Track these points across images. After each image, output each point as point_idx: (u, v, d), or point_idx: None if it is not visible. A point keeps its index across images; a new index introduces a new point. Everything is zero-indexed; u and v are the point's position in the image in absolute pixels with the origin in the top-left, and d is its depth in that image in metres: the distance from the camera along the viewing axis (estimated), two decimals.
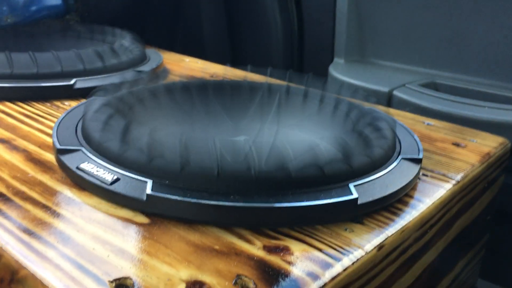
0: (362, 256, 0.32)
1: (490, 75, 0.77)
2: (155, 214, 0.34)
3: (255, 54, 1.03)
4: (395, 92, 0.75)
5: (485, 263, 0.61)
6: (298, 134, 0.48)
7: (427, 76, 0.81)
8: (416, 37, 0.83)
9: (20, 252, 0.30)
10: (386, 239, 0.34)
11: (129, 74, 0.62)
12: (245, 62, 1.05)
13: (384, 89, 0.76)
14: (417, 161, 0.42)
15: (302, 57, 0.98)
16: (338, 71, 0.84)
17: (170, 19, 1.03)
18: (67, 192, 0.37)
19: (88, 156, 0.38)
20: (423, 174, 0.43)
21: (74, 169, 0.37)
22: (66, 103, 0.55)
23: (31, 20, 0.81)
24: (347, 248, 0.32)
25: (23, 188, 0.37)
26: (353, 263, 0.31)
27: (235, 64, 1.06)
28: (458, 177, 0.43)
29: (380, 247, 0.33)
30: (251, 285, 0.28)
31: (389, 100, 0.76)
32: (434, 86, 0.79)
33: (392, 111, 0.60)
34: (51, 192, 0.36)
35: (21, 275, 0.29)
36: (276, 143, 0.37)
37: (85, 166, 0.37)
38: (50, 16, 0.83)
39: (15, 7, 0.79)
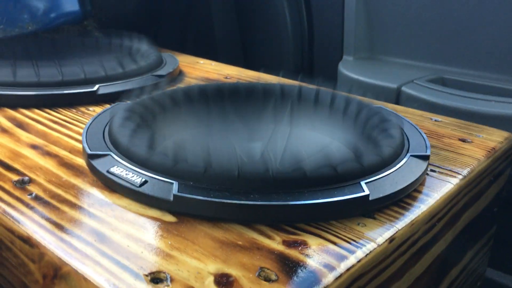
0: (374, 249, 0.34)
1: (496, 69, 0.78)
2: (181, 213, 0.37)
3: (266, 53, 1.06)
4: (404, 88, 0.77)
5: (494, 253, 0.63)
6: (311, 135, 0.51)
7: (435, 71, 0.83)
8: (423, 33, 0.84)
9: (62, 250, 0.33)
10: (396, 232, 0.36)
11: (148, 79, 0.64)
12: (257, 61, 1.08)
13: (393, 85, 0.79)
14: (425, 157, 0.44)
15: (312, 55, 1.01)
16: (347, 68, 0.86)
17: (182, 22, 1.05)
18: (99, 194, 0.40)
19: (117, 161, 0.41)
20: (431, 170, 0.46)
21: (105, 172, 0.40)
22: (91, 108, 0.58)
23: (50, 27, 0.84)
24: (360, 241, 0.35)
25: (59, 191, 0.40)
26: (366, 255, 0.33)
27: (246, 63, 1.09)
28: (465, 172, 0.46)
29: (391, 240, 0.36)
30: (273, 276, 0.30)
31: (397, 96, 0.78)
32: (441, 82, 0.81)
33: (400, 108, 0.62)
34: (85, 195, 0.40)
35: (64, 271, 0.32)
36: (290, 144, 0.39)
37: (115, 170, 0.40)
38: (68, 23, 0.86)
39: (35, 15, 0.82)
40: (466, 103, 0.71)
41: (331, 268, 0.31)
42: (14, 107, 0.58)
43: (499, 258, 0.73)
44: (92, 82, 0.60)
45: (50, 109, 0.58)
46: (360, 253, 0.33)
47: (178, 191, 0.36)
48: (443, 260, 0.46)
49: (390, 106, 0.60)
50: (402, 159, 0.43)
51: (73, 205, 0.38)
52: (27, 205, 0.38)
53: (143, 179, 0.38)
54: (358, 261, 0.33)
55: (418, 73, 0.82)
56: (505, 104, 0.69)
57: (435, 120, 0.58)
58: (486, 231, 0.56)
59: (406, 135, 0.49)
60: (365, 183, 0.39)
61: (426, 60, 0.86)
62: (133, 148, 0.41)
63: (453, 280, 0.50)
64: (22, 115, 0.56)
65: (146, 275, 0.30)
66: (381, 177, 0.40)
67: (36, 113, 0.56)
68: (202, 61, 0.84)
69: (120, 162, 0.41)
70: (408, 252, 0.38)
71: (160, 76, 0.66)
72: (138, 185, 0.38)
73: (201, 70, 0.78)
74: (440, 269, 0.46)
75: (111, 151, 0.43)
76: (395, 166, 0.42)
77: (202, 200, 0.36)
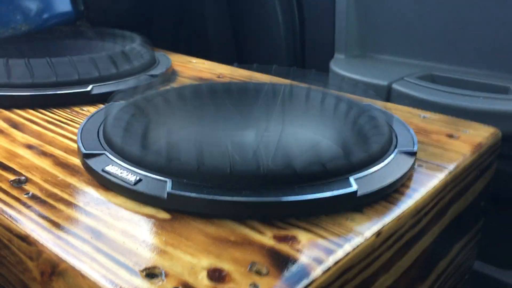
0: (361, 243, 0.35)
1: (484, 65, 0.80)
2: (175, 210, 0.38)
3: (259, 51, 1.07)
4: (394, 85, 0.79)
5: (483, 246, 0.65)
6: (302, 131, 0.52)
7: (425, 68, 0.84)
8: (413, 30, 0.86)
9: (59, 248, 0.34)
10: (383, 226, 0.37)
11: (141, 78, 0.65)
12: (249, 59, 1.08)
13: (383, 82, 0.80)
14: (412, 153, 0.46)
15: (304, 53, 1.02)
16: (339, 66, 0.87)
17: (175, 21, 1.06)
18: (94, 193, 0.41)
19: (111, 159, 0.42)
20: (419, 165, 0.47)
21: (100, 171, 0.41)
22: (85, 108, 0.59)
23: (43, 27, 0.84)
24: (348, 235, 0.36)
25: (55, 190, 0.41)
26: (353, 249, 0.35)
27: (239, 61, 1.10)
28: (451, 167, 0.47)
29: (378, 234, 0.37)
30: (264, 270, 0.31)
31: (388, 93, 0.79)
32: (431, 78, 0.82)
33: (390, 105, 0.63)
34: (81, 193, 0.40)
35: (61, 268, 0.33)
36: (281, 142, 0.40)
37: (109, 168, 0.41)
38: (61, 23, 0.87)
39: (28, 16, 0.83)
40: (455, 99, 0.72)
41: (319, 261, 0.33)
42: (8, 108, 0.59)
43: (487, 251, 0.74)
44: (86, 82, 0.61)
45: (45, 109, 0.58)
46: (348, 247, 0.34)
47: (171, 189, 0.37)
48: (430, 253, 0.47)
49: (379, 103, 0.61)
50: (390, 155, 0.45)
51: (69, 204, 0.39)
52: (24, 204, 0.39)
53: (138, 178, 0.39)
54: (346, 255, 0.34)
55: (408, 70, 0.83)
56: (492, 100, 0.71)
57: (424, 117, 0.59)
58: (473, 225, 0.58)
59: (395, 132, 0.50)
60: (354, 179, 0.40)
61: (416, 57, 0.87)
62: (127, 147, 0.42)
63: (441, 272, 0.52)
64: (17, 115, 0.57)
65: (142, 271, 0.31)
66: (369, 173, 0.41)
67: (31, 114, 0.57)
68: (195, 60, 0.85)
69: (114, 161, 0.42)
70: (395, 246, 0.39)
71: (153, 76, 0.67)
72: (132, 184, 0.39)
73: (194, 69, 0.79)
74: (428, 261, 0.48)
75: (105, 150, 0.44)
76: (383, 162, 0.43)
77: (195, 197, 0.37)
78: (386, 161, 0.43)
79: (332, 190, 0.38)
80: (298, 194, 0.37)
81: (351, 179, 0.40)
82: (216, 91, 0.58)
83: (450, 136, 0.54)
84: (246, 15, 1.06)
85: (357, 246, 0.35)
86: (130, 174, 0.40)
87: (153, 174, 0.39)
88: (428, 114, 0.60)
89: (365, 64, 0.89)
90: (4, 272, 0.40)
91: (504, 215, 0.75)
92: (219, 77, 0.74)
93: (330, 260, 0.33)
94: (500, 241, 0.77)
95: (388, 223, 0.38)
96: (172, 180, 0.38)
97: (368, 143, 0.44)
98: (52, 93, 0.59)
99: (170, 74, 0.74)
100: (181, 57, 0.86)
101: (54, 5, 0.86)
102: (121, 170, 0.41)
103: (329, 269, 0.32)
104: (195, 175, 0.38)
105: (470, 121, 0.57)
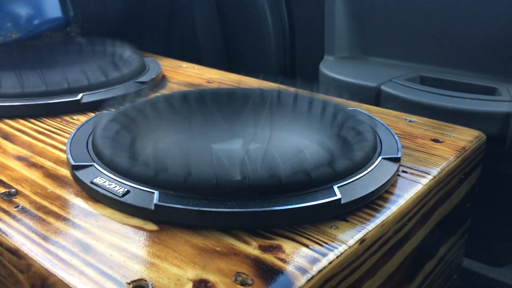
0: (345, 250, 0.36)
1: (472, 66, 0.81)
2: (163, 222, 0.39)
3: (249, 54, 1.07)
4: (383, 87, 0.79)
5: (472, 244, 0.66)
6: (288, 138, 0.52)
7: (413, 70, 0.85)
8: (402, 32, 0.86)
9: (48, 262, 0.34)
10: (367, 233, 0.38)
11: (131, 86, 0.66)
12: (240, 62, 1.09)
13: (372, 84, 0.81)
14: (396, 159, 0.46)
15: (294, 55, 1.02)
16: (328, 68, 0.88)
17: (166, 25, 1.07)
18: (83, 204, 0.41)
19: (100, 171, 0.43)
20: (403, 171, 0.48)
21: (88, 183, 0.42)
22: (75, 117, 0.59)
23: (34, 34, 0.85)
24: (332, 243, 0.37)
25: (45, 203, 0.41)
26: (337, 257, 0.35)
27: (230, 64, 1.10)
28: (434, 172, 0.48)
29: (361, 241, 0.38)
30: (249, 281, 0.32)
31: (377, 95, 0.80)
32: (419, 80, 0.83)
33: (376, 109, 0.64)
34: (70, 205, 0.41)
35: (51, 281, 0.34)
36: (267, 152, 0.41)
37: (98, 180, 0.42)
38: (51, 29, 0.87)
39: (18, 23, 0.83)
40: (442, 100, 0.73)
41: (303, 271, 0.33)
42: None
43: (477, 249, 0.75)
44: (76, 91, 0.62)
45: (35, 119, 0.59)
46: (331, 255, 0.35)
47: (159, 201, 0.38)
48: (416, 256, 0.48)
49: (366, 107, 0.62)
50: (374, 162, 0.45)
51: (58, 216, 0.39)
52: (14, 217, 0.39)
53: (126, 189, 0.40)
54: (330, 263, 0.35)
55: (397, 71, 0.84)
56: (478, 101, 0.71)
57: (410, 121, 0.60)
58: (459, 226, 0.59)
59: (379, 138, 0.51)
60: (337, 187, 0.41)
61: (405, 58, 0.88)
62: (116, 158, 0.43)
63: (427, 274, 0.53)
64: (8, 126, 0.57)
65: (129, 283, 0.32)
66: (352, 181, 0.42)
67: (21, 124, 0.58)
68: (185, 65, 0.85)
69: (103, 173, 0.43)
70: (379, 252, 0.40)
71: (143, 83, 0.68)
72: (120, 195, 0.40)
73: (184, 74, 0.79)
74: (414, 264, 0.49)
75: (94, 161, 0.44)
76: (367, 169, 0.44)
77: (182, 208, 0.38)
78: (369, 168, 0.44)
79: (316, 199, 0.39)
80: (283, 204, 0.38)
81: (335, 187, 0.40)
82: (204, 98, 0.59)
83: (435, 140, 0.54)
84: (236, 18, 1.07)
85: (341, 254, 0.36)
86: (118, 186, 0.41)
87: (141, 185, 0.40)
88: (414, 118, 0.61)
89: (354, 66, 0.90)
90: None
91: (490, 214, 0.76)
92: (208, 82, 0.75)
93: (314, 269, 0.34)
94: (489, 239, 0.78)
95: (371, 230, 0.39)
96: (159, 192, 0.39)
97: (352, 150, 0.45)
98: (42, 103, 0.59)
99: (160, 80, 0.74)
100: (171, 61, 0.87)
101: (44, 12, 0.87)
102: (109, 182, 0.41)
103: (312, 277, 0.33)
104: (182, 187, 0.39)
105: (455, 125, 0.58)
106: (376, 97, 0.81)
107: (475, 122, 0.70)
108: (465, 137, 0.55)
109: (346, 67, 0.89)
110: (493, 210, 0.77)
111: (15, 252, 0.36)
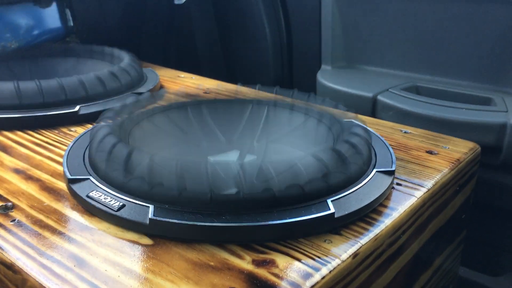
0: (338, 265, 0.36)
1: (468, 77, 0.81)
2: (157, 236, 0.39)
3: (247, 63, 1.08)
4: (379, 97, 0.80)
5: (469, 253, 0.66)
6: (282, 151, 0.53)
7: (410, 79, 0.86)
8: (398, 42, 0.87)
9: (43, 277, 0.35)
10: (360, 247, 0.39)
11: (128, 97, 0.66)
12: (238, 71, 1.10)
13: (369, 94, 0.81)
14: (390, 172, 0.47)
15: (292, 65, 1.03)
16: (326, 78, 0.89)
17: (164, 35, 1.07)
18: (79, 218, 0.42)
19: (96, 185, 0.43)
20: (397, 184, 0.48)
21: (84, 197, 0.42)
22: (72, 129, 0.60)
23: (33, 44, 0.85)
24: (325, 258, 0.37)
25: (41, 217, 0.42)
26: (330, 272, 0.36)
27: (228, 73, 1.11)
28: (429, 184, 0.48)
29: (355, 255, 0.38)
30: None
31: (374, 105, 0.81)
32: (415, 90, 0.83)
33: (372, 120, 0.65)
34: (66, 219, 0.41)
35: None
36: (261, 166, 0.41)
37: (94, 194, 0.42)
38: (51, 39, 0.88)
39: (17, 33, 0.84)
40: (438, 111, 0.73)
41: (296, 286, 0.34)
42: None
43: (474, 258, 0.76)
44: (73, 102, 0.62)
45: (33, 130, 0.59)
46: (324, 270, 0.35)
47: (153, 215, 0.38)
48: (411, 268, 0.48)
49: (362, 119, 0.62)
50: (368, 175, 0.46)
51: (54, 230, 0.40)
52: (10, 231, 0.40)
53: (121, 204, 0.40)
54: (323, 278, 0.35)
55: (393, 81, 0.85)
56: (474, 112, 0.72)
57: (405, 132, 0.61)
58: (455, 237, 0.59)
59: (374, 150, 0.51)
60: (331, 201, 0.41)
61: (401, 68, 0.88)
62: (111, 172, 0.43)
63: (423, 285, 0.53)
64: (5, 137, 0.58)
65: None
66: (346, 194, 0.42)
67: (19, 136, 0.58)
68: (183, 74, 0.86)
69: (99, 187, 0.43)
70: (373, 265, 0.41)
71: (141, 94, 0.68)
72: (116, 210, 0.40)
73: (182, 84, 0.80)
74: (408, 276, 0.49)
75: (90, 175, 0.45)
76: (361, 182, 0.44)
77: (176, 223, 0.38)
78: (364, 182, 0.44)
79: (310, 213, 0.39)
80: (277, 218, 0.38)
81: (329, 201, 0.41)
82: (201, 109, 0.59)
83: (430, 152, 0.55)
84: (234, 27, 1.07)
85: (334, 269, 0.36)
86: (113, 200, 0.41)
87: (136, 200, 0.40)
88: (409, 129, 0.61)
89: (351, 75, 0.90)
90: None
91: (486, 223, 0.76)
92: (205, 92, 0.75)
93: (307, 284, 0.34)
94: (486, 249, 0.79)
95: (365, 244, 0.39)
96: (154, 206, 0.39)
97: (347, 163, 0.45)
98: (39, 115, 0.59)
99: (158, 91, 0.75)
100: (169, 71, 0.87)
101: (43, 22, 0.87)
102: (105, 196, 0.42)
103: None
104: (177, 201, 0.39)
105: (450, 137, 0.59)
106: (373, 107, 0.81)
107: (471, 132, 0.70)
108: (460, 149, 0.55)
109: (343, 76, 0.89)
110: (489, 219, 0.77)
111: (11, 267, 0.37)
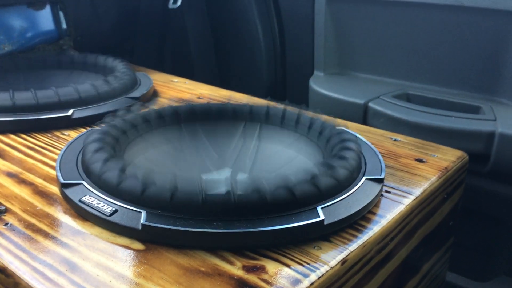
0: (327, 271, 0.37)
1: (457, 85, 0.83)
2: (149, 241, 0.39)
3: (241, 68, 1.09)
4: (370, 104, 0.81)
5: (457, 259, 0.67)
6: (273, 158, 0.53)
7: (400, 87, 0.87)
8: (390, 50, 0.88)
9: (36, 281, 0.35)
10: (348, 254, 0.39)
11: (122, 101, 0.67)
12: (231, 76, 1.10)
13: (360, 101, 0.82)
14: (379, 180, 0.48)
15: (285, 71, 1.04)
16: (318, 84, 0.89)
17: (158, 39, 1.08)
18: (72, 223, 0.42)
19: (88, 190, 0.44)
20: (386, 191, 0.49)
21: (77, 201, 0.42)
22: (66, 133, 0.60)
23: (27, 47, 0.86)
24: (314, 264, 0.38)
25: (33, 221, 0.42)
26: (319, 278, 0.36)
27: (222, 78, 1.12)
28: (417, 192, 0.49)
29: (343, 262, 0.39)
30: None
31: (365, 112, 0.82)
32: (406, 97, 0.84)
33: (363, 128, 0.66)
34: (58, 224, 0.42)
35: None
36: (256, 169, 0.42)
37: (86, 199, 0.42)
38: (44, 42, 0.88)
39: (11, 35, 0.84)
40: (428, 118, 0.75)
41: None
42: None
43: (461, 263, 0.77)
44: (67, 106, 0.62)
45: (26, 134, 0.59)
46: (313, 276, 0.36)
47: (146, 220, 0.39)
48: (398, 274, 0.49)
49: (353, 126, 0.63)
50: (358, 182, 0.46)
51: (46, 235, 0.40)
52: (2, 235, 0.40)
53: (113, 209, 0.41)
54: (311, 284, 0.36)
55: (384, 88, 0.86)
56: (463, 120, 0.73)
57: (395, 140, 0.61)
58: (442, 244, 0.60)
59: (364, 158, 0.52)
60: (321, 208, 0.42)
61: (393, 76, 0.89)
62: (104, 177, 0.44)
63: None
64: None
65: None
66: (336, 202, 0.43)
67: (12, 139, 0.58)
68: (176, 79, 0.86)
69: (91, 191, 0.43)
70: (361, 271, 0.41)
71: (134, 98, 0.69)
72: (108, 215, 0.40)
73: (175, 89, 0.80)
74: (396, 282, 0.49)
75: (83, 179, 0.45)
76: (350, 189, 0.45)
77: (168, 228, 0.38)
78: (353, 189, 0.45)
79: (300, 220, 0.40)
80: (267, 225, 0.39)
81: (319, 208, 0.41)
82: (194, 113, 0.59)
83: (419, 160, 0.56)
84: (228, 32, 1.08)
85: (322, 275, 0.37)
86: (106, 205, 0.41)
87: (129, 205, 0.41)
88: (399, 137, 0.62)
89: (343, 82, 0.91)
90: None
91: (474, 229, 0.77)
92: (199, 97, 0.76)
93: None
94: (473, 254, 0.80)
95: (353, 251, 0.40)
96: (146, 212, 0.40)
97: (337, 171, 0.46)
98: (33, 118, 0.60)
99: (151, 95, 0.75)
100: (163, 76, 0.88)
101: (37, 25, 0.87)
102: (97, 201, 0.42)
103: None
104: (169, 207, 0.40)
105: (439, 145, 0.60)
106: (364, 114, 0.82)
107: (459, 140, 0.72)
108: (448, 157, 0.56)
109: (336, 83, 0.90)
110: (477, 225, 0.79)
111: (3, 271, 0.37)
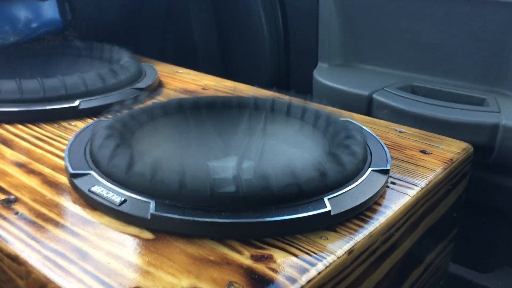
0: (334, 261, 0.38)
1: (462, 77, 0.83)
2: (158, 231, 0.40)
3: (244, 60, 1.09)
4: (375, 96, 0.81)
5: (459, 250, 0.67)
6: (280, 149, 0.54)
7: (405, 78, 0.87)
8: (394, 42, 0.88)
9: (47, 269, 0.36)
10: (355, 244, 0.40)
11: (128, 92, 0.67)
12: (235, 67, 1.11)
13: (365, 93, 0.82)
14: (385, 171, 0.48)
15: (289, 62, 1.04)
16: (322, 75, 0.90)
17: (163, 30, 1.08)
18: (81, 212, 0.42)
19: (97, 179, 0.44)
20: (392, 182, 0.49)
21: (86, 191, 0.43)
22: (73, 123, 0.61)
23: (32, 38, 0.86)
24: (321, 254, 0.38)
25: (44, 210, 0.42)
26: (326, 267, 0.37)
27: (226, 69, 1.12)
28: (422, 183, 0.49)
29: (350, 251, 0.39)
30: None
31: (369, 103, 0.82)
32: (411, 89, 0.84)
33: (367, 119, 0.66)
34: (68, 213, 0.42)
35: None
36: (263, 160, 0.42)
37: (96, 189, 0.43)
38: (49, 32, 0.88)
39: (16, 26, 0.84)
40: (432, 110, 0.75)
41: (293, 280, 0.35)
42: None
43: (464, 255, 0.77)
44: (74, 97, 0.63)
45: (33, 124, 0.60)
46: (320, 266, 0.37)
47: (155, 210, 0.39)
48: (403, 264, 0.50)
49: (358, 118, 0.64)
50: (364, 173, 0.47)
51: (57, 224, 0.41)
52: (13, 224, 0.40)
53: (123, 198, 0.41)
54: (319, 273, 0.36)
55: (389, 80, 0.86)
56: (467, 112, 0.73)
57: (400, 131, 0.62)
58: (446, 235, 0.60)
59: (370, 149, 0.52)
60: (328, 199, 0.42)
61: (397, 67, 0.89)
62: (113, 167, 0.44)
63: (414, 281, 0.54)
64: (6, 131, 0.58)
65: None
66: (342, 193, 0.43)
67: (20, 129, 0.59)
68: (181, 70, 0.86)
69: (100, 181, 0.44)
70: (367, 261, 0.42)
71: (140, 89, 0.69)
72: (117, 204, 0.41)
73: (180, 80, 0.81)
74: (401, 272, 0.50)
75: (92, 169, 0.46)
76: (356, 181, 0.46)
77: (177, 218, 0.39)
78: (359, 180, 0.46)
79: (307, 210, 0.40)
80: (275, 215, 0.40)
81: (325, 199, 0.42)
82: (200, 105, 0.60)
83: (424, 152, 0.56)
84: (232, 23, 1.08)
85: (329, 265, 0.37)
86: (115, 194, 0.42)
87: (138, 195, 0.41)
88: (404, 129, 0.62)
89: (348, 73, 0.91)
90: None
91: (477, 220, 0.78)
92: (204, 88, 0.76)
93: (303, 279, 0.35)
94: (476, 246, 0.80)
95: (359, 241, 0.40)
96: (155, 201, 0.40)
97: (343, 162, 0.46)
98: (40, 109, 0.60)
99: (157, 86, 0.75)
100: (167, 67, 0.88)
101: (42, 15, 0.88)
102: (106, 191, 0.42)
103: (302, 287, 0.35)
104: (178, 197, 0.40)
105: (443, 137, 0.60)
106: (368, 105, 0.83)
107: (464, 132, 0.72)
108: (453, 149, 0.57)
109: (340, 74, 0.90)
110: (480, 217, 0.79)
111: (15, 259, 0.38)
